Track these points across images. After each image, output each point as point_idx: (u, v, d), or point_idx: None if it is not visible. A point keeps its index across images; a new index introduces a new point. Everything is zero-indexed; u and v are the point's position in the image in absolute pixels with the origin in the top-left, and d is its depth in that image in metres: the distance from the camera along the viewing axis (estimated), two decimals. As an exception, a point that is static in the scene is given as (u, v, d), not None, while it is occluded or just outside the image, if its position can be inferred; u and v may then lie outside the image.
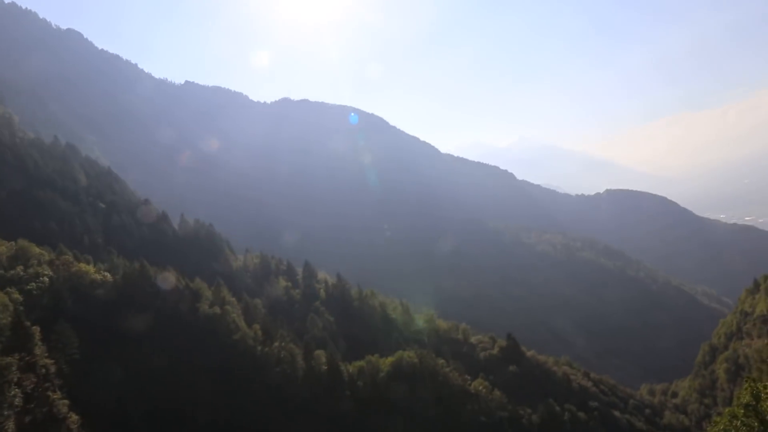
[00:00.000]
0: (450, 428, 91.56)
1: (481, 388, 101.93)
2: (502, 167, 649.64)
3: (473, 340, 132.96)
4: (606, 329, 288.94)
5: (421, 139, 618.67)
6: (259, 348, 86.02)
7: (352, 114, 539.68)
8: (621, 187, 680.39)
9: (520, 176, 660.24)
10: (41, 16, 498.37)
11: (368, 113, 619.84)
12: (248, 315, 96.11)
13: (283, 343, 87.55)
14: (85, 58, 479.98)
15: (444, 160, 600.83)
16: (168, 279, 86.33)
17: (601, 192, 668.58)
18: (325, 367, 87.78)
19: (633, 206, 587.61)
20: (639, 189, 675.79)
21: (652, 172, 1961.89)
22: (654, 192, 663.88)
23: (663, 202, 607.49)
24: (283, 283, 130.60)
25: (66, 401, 60.87)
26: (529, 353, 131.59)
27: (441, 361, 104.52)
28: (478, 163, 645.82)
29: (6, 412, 50.63)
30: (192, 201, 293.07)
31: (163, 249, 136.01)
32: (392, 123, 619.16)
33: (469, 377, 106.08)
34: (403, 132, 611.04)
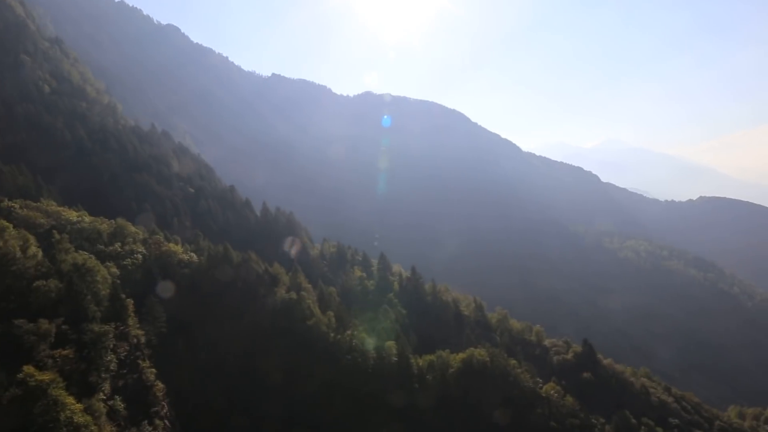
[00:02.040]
0: (517, 431, 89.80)
1: (552, 392, 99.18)
2: (586, 168, 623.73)
3: (547, 343, 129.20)
4: (692, 344, 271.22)
5: (503, 136, 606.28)
6: (332, 335, 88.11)
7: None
8: (717, 195, 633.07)
9: (605, 179, 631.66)
10: (145, 13, 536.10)
11: (449, 109, 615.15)
12: (323, 302, 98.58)
13: (355, 332, 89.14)
14: (181, 51, 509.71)
15: (525, 158, 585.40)
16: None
17: (694, 199, 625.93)
18: (396, 359, 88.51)
19: (730, 216, 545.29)
20: (737, 197, 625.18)
21: (755, 180, 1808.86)
22: (756, 202, 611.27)
23: (764, 212, 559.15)
24: (358, 273, 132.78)
25: (153, 370, 65.38)
26: (606, 361, 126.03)
27: (512, 361, 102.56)
28: (561, 163, 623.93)
29: (103, 375, 55.01)
30: (274, 189, 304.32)
31: (246, 234, 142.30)
32: (474, 119, 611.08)
33: (540, 380, 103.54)
34: (484, 129, 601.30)
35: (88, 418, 45.85)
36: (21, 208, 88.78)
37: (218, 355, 79.03)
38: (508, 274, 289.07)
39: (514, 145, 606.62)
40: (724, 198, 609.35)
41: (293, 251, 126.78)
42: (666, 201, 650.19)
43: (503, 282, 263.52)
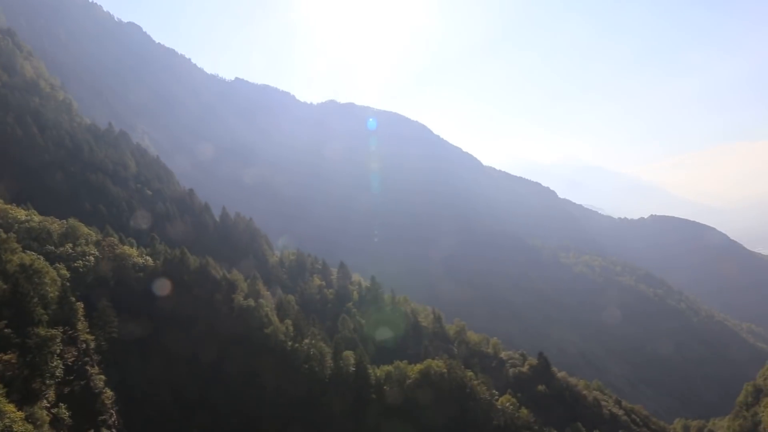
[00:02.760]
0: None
1: (508, 404, 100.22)
2: (545, 184, 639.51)
3: (503, 355, 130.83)
4: (641, 358, 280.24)
5: (464, 149, 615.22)
6: (290, 343, 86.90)
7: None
8: (668, 214, 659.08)
9: (562, 194, 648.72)
10: (105, 9, 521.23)
11: (412, 121, 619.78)
12: (281, 310, 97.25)
13: (313, 341, 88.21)
14: (142, 50, 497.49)
15: (485, 172, 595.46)
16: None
17: (646, 217, 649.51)
18: (353, 369, 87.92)
19: (679, 234, 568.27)
20: (687, 217, 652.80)
21: (702, 201, 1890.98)
22: (703, 221, 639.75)
23: (712, 232, 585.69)
24: (317, 281, 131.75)
25: (102, 377, 62.98)
26: (560, 374, 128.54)
27: (469, 373, 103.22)
28: (520, 178, 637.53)
29: (48, 382, 52.52)
30: (234, 194, 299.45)
31: (204, 239, 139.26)
32: (436, 131, 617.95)
33: (496, 392, 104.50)
34: (445, 141, 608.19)
35: (29, 427, 43.65)
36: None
37: (172, 362, 76.65)
38: (467, 287, 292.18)
39: (475, 158, 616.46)
40: (674, 217, 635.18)
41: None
42: (619, 218, 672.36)
43: (461, 294, 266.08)
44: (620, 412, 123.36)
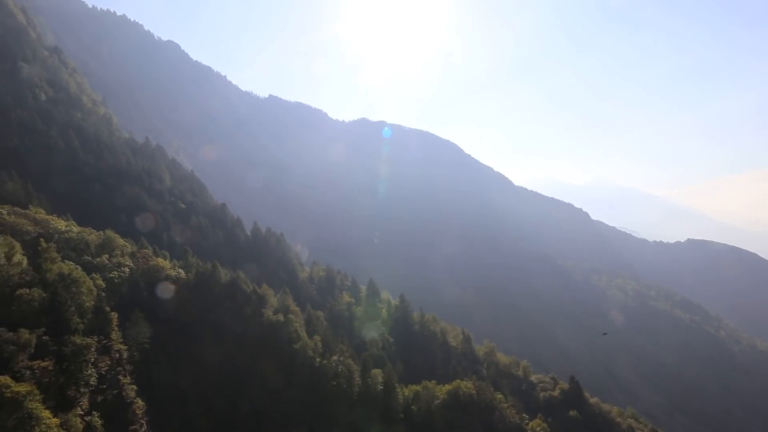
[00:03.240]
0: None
1: (538, 429, 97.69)
2: (577, 205, 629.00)
3: (533, 378, 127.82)
4: (678, 386, 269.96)
5: (495, 169, 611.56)
6: (318, 360, 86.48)
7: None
8: (704, 238, 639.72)
9: (594, 216, 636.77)
10: (146, 28, 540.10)
11: (443, 139, 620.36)
12: (310, 326, 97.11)
13: (341, 358, 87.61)
14: (180, 68, 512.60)
15: (516, 192, 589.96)
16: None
17: (682, 241, 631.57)
18: (381, 387, 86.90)
19: (717, 260, 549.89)
20: (725, 242, 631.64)
21: (741, 225, 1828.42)
22: (742, 247, 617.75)
23: (752, 258, 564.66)
24: (346, 298, 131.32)
25: (134, 387, 63.59)
26: (592, 400, 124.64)
27: (499, 395, 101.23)
28: (552, 199, 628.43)
29: (82, 390, 53.31)
30: (265, 211, 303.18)
31: (235, 253, 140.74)
32: (467, 151, 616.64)
33: (526, 416, 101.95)
34: (476, 161, 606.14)
35: (63, 434, 44.15)
36: (9, 214, 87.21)
37: (202, 375, 77.01)
38: (497, 308, 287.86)
39: (506, 178, 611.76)
40: (712, 242, 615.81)
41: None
42: (654, 242, 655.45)
43: (491, 315, 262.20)
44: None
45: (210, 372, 78.28)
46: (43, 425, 41.83)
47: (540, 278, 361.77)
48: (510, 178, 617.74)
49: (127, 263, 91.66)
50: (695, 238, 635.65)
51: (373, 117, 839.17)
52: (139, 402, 61.80)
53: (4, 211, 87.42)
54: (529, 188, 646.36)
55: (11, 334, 50.31)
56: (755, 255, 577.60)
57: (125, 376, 63.70)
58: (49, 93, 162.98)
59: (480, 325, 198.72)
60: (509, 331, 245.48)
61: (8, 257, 65.31)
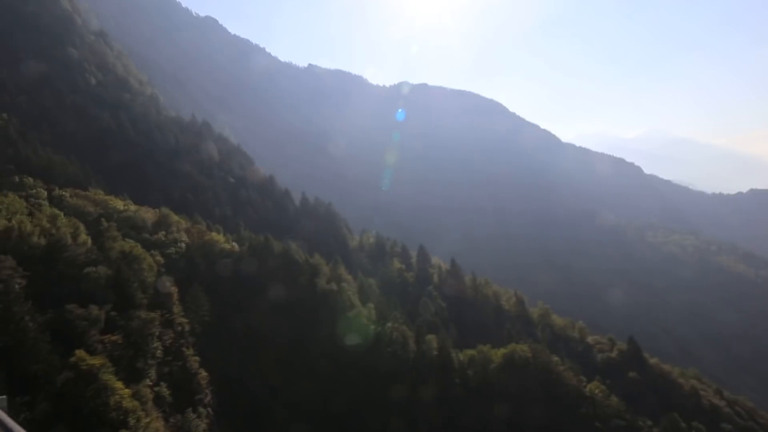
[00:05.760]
0: (561, 429, 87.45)
1: (597, 391, 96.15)
2: (628, 159, 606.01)
3: (590, 340, 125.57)
4: (743, 346, 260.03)
5: (542, 126, 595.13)
6: (372, 327, 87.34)
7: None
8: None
9: (647, 170, 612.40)
10: (184, 6, 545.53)
11: (487, 99, 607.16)
12: (363, 294, 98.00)
13: (395, 324, 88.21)
14: (219, 43, 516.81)
15: (564, 149, 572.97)
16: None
17: (745, 192, 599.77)
18: (436, 353, 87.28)
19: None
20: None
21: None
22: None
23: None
24: (397, 265, 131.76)
25: (197, 358, 65.93)
26: (652, 360, 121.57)
27: (555, 358, 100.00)
28: (602, 154, 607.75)
29: (150, 361, 55.63)
30: (311, 180, 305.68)
31: (286, 224, 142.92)
32: (512, 109, 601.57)
33: (584, 379, 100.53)
34: (522, 119, 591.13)
35: (136, 403, 46.19)
36: (71, 196, 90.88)
37: (260, 345, 79.15)
38: (549, 269, 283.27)
39: (553, 135, 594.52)
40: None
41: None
42: (713, 194, 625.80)
43: (544, 276, 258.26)
44: (722, 404, 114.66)
45: (268, 342, 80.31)
46: (117, 395, 43.82)
47: (592, 236, 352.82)
48: (557, 135, 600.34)
49: (183, 239, 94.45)
50: (759, 188, 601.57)
51: (414, 79, 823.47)
52: (203, 373, 64.09)
53: (67, 194, 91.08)
54: (577, 144, 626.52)
55: (82, 310, 52.59)
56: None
57: (188, 348, 66.08)
58: (99, 77, 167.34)
59: (533, 286, 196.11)
60: (563, 292, 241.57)
61: (74, 237, 68.15)
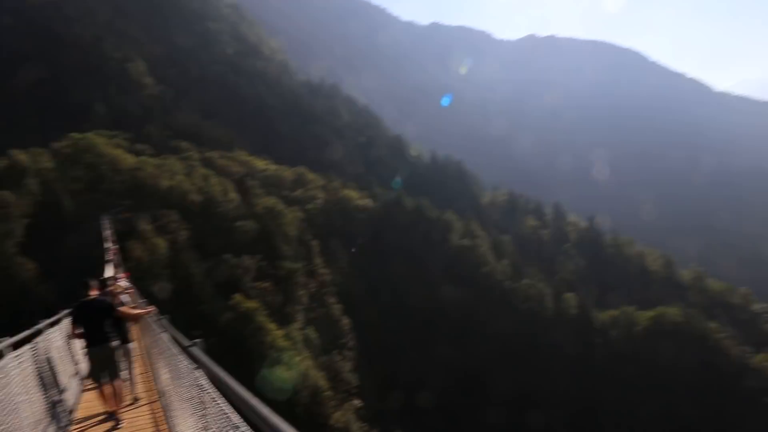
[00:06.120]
0: (720, 403, 79.40)
1: (766, 364, 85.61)
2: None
3: (756, 308, 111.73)
4: None
5: (689, 75, 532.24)
6: (508, 283, 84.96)
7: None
8: None
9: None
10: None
11: (623, 48, 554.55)
12: (497, 250, 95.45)
13: (532, 281, 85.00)
14: (341, 5, 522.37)
15: (718, 99, 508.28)
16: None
17: None
18: (575, 311, 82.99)
19: None
20: None
21: None
22: None
23: None
24: (531, 222, 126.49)
25: (340, 305, 68.64)
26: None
27: (713, 324, 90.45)
28: (765, 102, 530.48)
29: (297, 307, 58.81)
30: (440, 137, 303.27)
31: (416, 181, 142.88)
32: (654, 57, 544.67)
33: (749, 350, 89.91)
34: (664, 68, 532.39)
35: (288, 343, 49.07)
36: (219, 158, 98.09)
37: (396, 298, 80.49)
38: (705, 232, 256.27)
39: (703, 84, 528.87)
40: None
41: None
42: None
43: (699, 240, 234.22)
44: None
45: (403, 295, 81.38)
46: (272, 335, 46.84)
47: (758, 197, 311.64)
48: (710, 84, 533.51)
49: (320, 196, 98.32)
50: None
51: (542, 32, 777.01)
52: (345, 320, 66.68)
53: (216, 155, 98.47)
54: (735, 93, 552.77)
55: (236, 259, 56.62)
56: None
57: (331, 296, 68.98)
58: (235, 46, 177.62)
59: (684, 250, 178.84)
60: (723, 258, 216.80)
61: (224, 195, 73.55)
